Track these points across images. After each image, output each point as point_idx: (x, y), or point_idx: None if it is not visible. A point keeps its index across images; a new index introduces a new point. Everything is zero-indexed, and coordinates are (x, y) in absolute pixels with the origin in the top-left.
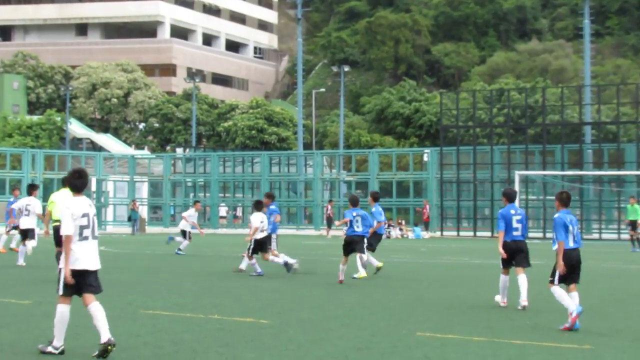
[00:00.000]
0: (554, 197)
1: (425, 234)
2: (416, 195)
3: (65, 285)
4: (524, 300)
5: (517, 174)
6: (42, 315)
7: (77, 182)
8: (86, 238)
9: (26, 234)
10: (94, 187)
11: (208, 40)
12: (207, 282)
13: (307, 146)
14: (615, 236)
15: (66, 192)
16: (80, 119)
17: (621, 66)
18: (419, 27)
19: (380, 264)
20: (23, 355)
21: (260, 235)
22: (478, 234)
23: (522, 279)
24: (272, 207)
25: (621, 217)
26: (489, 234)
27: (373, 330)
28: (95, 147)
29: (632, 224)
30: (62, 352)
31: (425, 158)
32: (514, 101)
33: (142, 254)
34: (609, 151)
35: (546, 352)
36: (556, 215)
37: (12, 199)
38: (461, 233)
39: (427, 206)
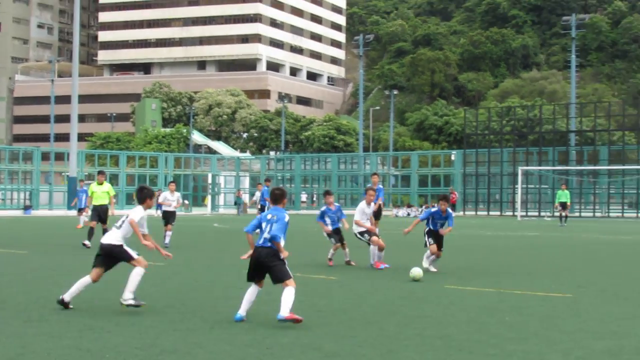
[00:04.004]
0: (547, 186)
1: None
2: (446, 185)
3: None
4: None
5: (520, 169)
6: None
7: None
8: None
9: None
10: (210, 180)
11: (294, 71)
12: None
13: (366, 149)
14: (591, 214)
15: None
16: (200, 130)
17: (598, 89)
18: (449, 60)
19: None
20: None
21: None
22: (491, 213)
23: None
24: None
25: (596, 200)
26: (498, 213)
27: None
28: (211, 151)
29: (562, 205)
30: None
31: (453, 158)
32: (519, 115)
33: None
34: (587, 152)
35: (539, 299)
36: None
37: (79, 188)
38: (479, 212)
39: (455, 193)
